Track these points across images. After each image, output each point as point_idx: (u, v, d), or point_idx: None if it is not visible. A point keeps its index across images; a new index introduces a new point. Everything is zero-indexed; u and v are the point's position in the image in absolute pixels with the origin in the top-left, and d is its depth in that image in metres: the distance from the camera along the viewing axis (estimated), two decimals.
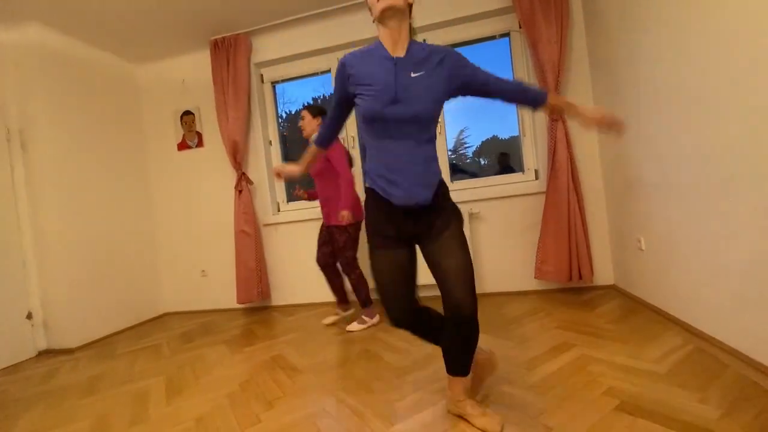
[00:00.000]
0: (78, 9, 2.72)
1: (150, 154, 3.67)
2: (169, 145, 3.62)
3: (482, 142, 3.34)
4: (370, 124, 1.22)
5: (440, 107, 1.25)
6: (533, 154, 2.90)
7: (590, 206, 2.72)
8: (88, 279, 2.95)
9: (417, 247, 1.31)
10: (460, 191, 2.96)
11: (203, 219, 3.54)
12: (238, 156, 3.25)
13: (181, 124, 3.59)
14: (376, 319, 2.53)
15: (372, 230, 1.30)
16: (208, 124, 3.50)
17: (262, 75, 3.43)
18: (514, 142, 3.07)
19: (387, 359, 1.94)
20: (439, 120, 3.03)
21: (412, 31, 1.27)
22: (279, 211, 3.46)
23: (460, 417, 1.35)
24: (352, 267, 2.47)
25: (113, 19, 2.89)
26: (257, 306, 3.42)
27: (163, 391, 1.89)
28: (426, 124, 1.23)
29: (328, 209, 2.48)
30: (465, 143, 3.35)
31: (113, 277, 3.17)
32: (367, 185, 1.32)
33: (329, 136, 1.47)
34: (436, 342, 1.37)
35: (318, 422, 1.44)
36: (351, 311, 2.75)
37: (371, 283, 2.30)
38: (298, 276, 3.33)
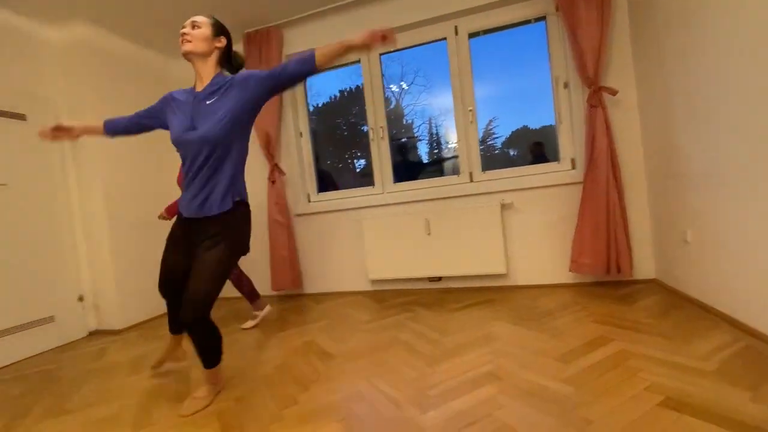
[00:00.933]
0: (119, 6, 2.84)
1: None
2: None
3: (512, 132, 3.26)
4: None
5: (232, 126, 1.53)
6: (570, 143, 2.80)
7: (631, 197, 2.61)
8: (132, 264, 3.12)
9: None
10: (491, 181, 2.91)
11: None
12: (270, 147, 3.32)
13: None
14: (267, 309, 2.74)
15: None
16: None
17: None
18: (547, 132, 2.97)
19: (418, 348, 1.95)
20: (471, 109, 2.97)
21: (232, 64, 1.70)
22: (309, 201, 3.52)
23: None
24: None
25: (151, 14, 2.99)
26: (289, 293, 3.51)
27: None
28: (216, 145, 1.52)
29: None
30: (493, 133, 3.28)
31: (155, 264, 3.32)
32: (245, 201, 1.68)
33: (121, 128, 1.77)
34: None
35: (353, 406, 1.47)
36: (269, 308, 2.81)
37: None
38: (328, 265, 3.39)
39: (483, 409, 1.34)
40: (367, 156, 3.41)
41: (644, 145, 2.55)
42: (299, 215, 3.44)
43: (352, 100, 3.67)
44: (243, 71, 1.59)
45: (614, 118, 2.59)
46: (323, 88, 3.67)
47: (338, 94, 3.78)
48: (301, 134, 3.52)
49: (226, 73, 1.64)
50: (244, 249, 1.63)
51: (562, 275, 2.77)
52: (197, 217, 1.54)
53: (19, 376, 2.25)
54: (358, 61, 3.30)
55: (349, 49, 1.42)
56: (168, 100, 1.66)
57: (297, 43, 3.34)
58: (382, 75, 3.27)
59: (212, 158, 1.51)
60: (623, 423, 1.19)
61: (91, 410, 1.70)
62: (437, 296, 2.87)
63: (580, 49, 2.50)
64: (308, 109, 3.55)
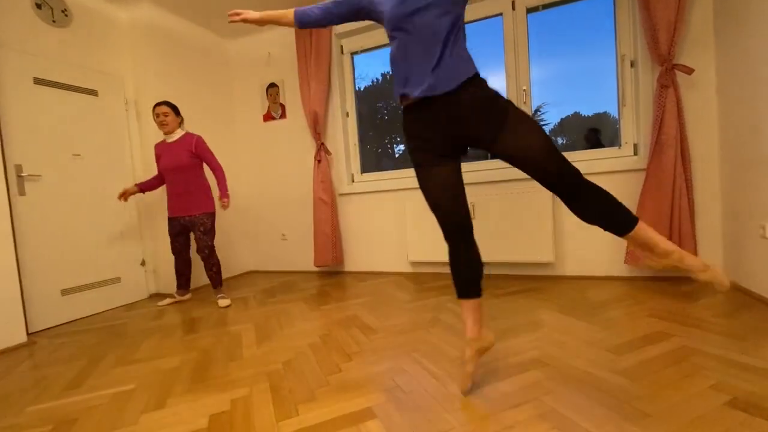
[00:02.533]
0: None
1: (238, 124, 3.96)
2: (256, 116, 3.86)
3: (561, 119, 3.08)
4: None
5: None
6: (633, 127, 2.61)
7: (700, 186, 2.40)
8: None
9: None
10: None
11: (284, 186, 3.77)
12: (318, 127, 3.37)
13: (267, 96, 3.79)
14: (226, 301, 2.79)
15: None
16: (291, 97, 3.66)
17: (342, 46, 3.48)
18: (601, 120, 2.79)
19: (460, 329, 1.94)
20: (525, 88, 2.84)
21: None
22: (353, 181, 3.56)
23: (678, 268, 1.18)
24: (213, 253, 2.79)
25: None
26: (331, 270, 3.60)
27: (253, 336, 2.10)
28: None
29: (188, 201, 2.71)
30: (542, 120, 3.12)
31: None
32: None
33: (312, 21, 1.52)
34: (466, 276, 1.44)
35: (395, 378, 1.50)
36: (189, 296, 3.01)
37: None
38: (369, 245, 3.43)
39: (530, 393, 1.32)
40: None
41: (720, 130, 2.32)
42: (343, 195, 3.49)
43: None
44: None
45: (687, 99, 2.37)
46: (366, 71, 3.64)
47: (380, 78, 3.75)
48: (347, 114, 3.53)
49: None
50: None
51: (615, 267, 2.62)
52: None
53: (92, 328, 2.50)
54: None
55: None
56: None
57: None
58: None
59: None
60: (685, 419, 1.12)
61: (156, 362, 1.85)
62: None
63: (653, 23, 2.29)
64: (355, 90, 3.55)
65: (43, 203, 2.58)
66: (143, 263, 3.21)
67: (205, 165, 2.82)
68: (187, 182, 2.71)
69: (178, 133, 2.74)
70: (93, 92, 2.93)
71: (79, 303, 2.74)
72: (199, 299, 3.01)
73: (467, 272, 1.41)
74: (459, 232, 1.37)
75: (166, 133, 2.74)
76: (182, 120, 2.81)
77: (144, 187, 2.83)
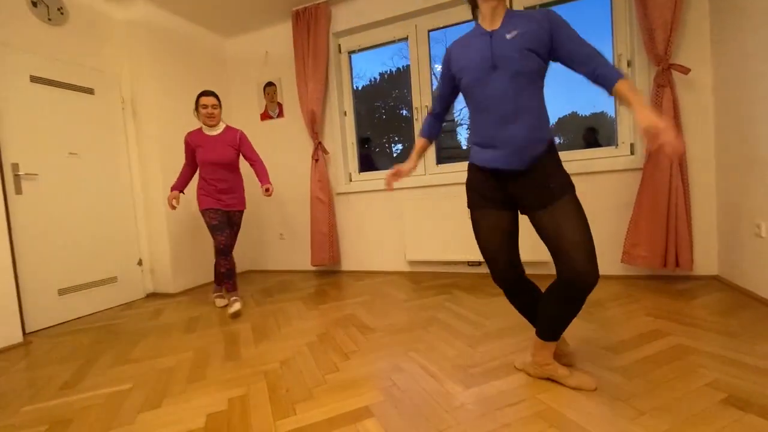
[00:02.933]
0: None
1: (235, 123, 3.94)
2: (253, 114, 3.85)
3: (558, 119, 3.09)
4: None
5: (538, 61, 1.24)
6: (630, 127, 2.62)
7: (695, 185, 2.41)
8: (185, 234, 3.32)
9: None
10: None
11: (282, 185, 3.76)
12: (315, 126, 3.37)
13: (264, 94, 3.78)
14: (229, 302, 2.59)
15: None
16: (289, 96, 3.65)
17: (339, 45, 3.47)
18: (598, 119, 2.80)
19: (459, 329, 1.94)
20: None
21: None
22: (351, 181, 3.56)
23: (550, 379, 1.36)
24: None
25: None
26: (328, 269, 3.60)
27: (251, 335, 2.09)
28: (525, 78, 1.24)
29: (233, 197, 2.63)
30: None
31: (206, 234, 3.52)
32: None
33: (436, 130, 1.58)
34: (527, 312, 1.48)
35: (393, 376, 1.50)
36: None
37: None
38: (366, 244, 3.43)
39: (527, 391, 1.32)
40: (405, 140, 3.38)
41: (716, 129, 2.33)
42: (340, 194, 3.49)
43: (392, 83, 3.62)
44: (547, 9, 1.32)
45: (683, 99, 2.38)
46: (364, 70, 3.63)
47: (378, 78, 3.74)
48: (345, 113, 3.53)
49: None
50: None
51: (612, 266, 2.63)
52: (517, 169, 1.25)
53: (88, 327, 2.48)
54: (406, 38, 3.24)
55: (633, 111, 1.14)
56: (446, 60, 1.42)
57: (345, 19, 3.32)
58: (430, 51, 3.19)
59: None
60: (681, 417, 1.12)
61: (152, 361, 1.84)
62: (476, 280, 2.83)
63: (650, 23, 2.30)
64: (353, 89, 3.54)
65: (40, 202, 2.56)
66: (140, 263, 3.20)
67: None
68: (230, 177, 2.64)
69: (221, 126, 2.63)
70: (89, 91, 2.91)
71: (75, 303, 2.73)
72: (197, 299, 3.00)
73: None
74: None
75: (211, 126, 2.59)
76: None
77: (182, 187, 2.70)
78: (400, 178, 1.52)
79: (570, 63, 1.25)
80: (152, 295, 3.23)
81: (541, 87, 1.28)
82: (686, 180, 2.33)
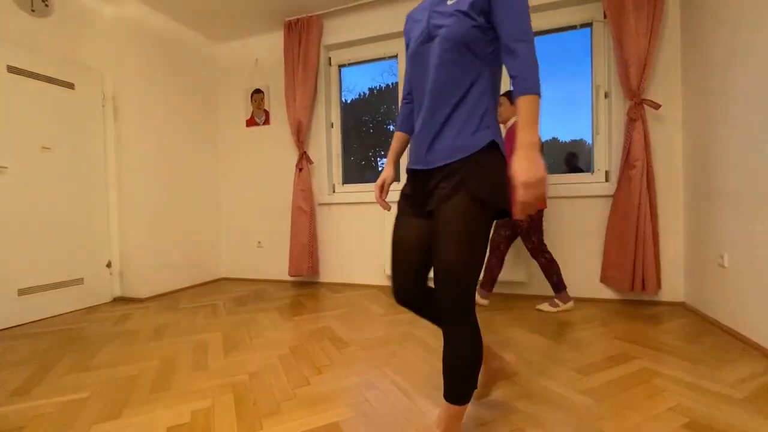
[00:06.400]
0: None
1: (221, 127, 3.91)
2: (239, 120, 3.82)
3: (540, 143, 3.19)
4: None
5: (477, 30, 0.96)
6: (605, 155, 2.73)
7: (664, 215, 2.52)
8: (159, 238, 3.23)
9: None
10: None
11: (263, 193, 3.72)
12: (301, 135, 3.37)
13: (251, 101, 3.77)
14: (570, 305, 2.45)
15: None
16: (276, 104, 3.65)
17: (330, 58, 3.51)
18: (577, 146, 2.91)
19: (433, 345, 1.94)
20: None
21: None
22: (334, 192, 3.55)
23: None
24: (540, 251, 2.43)
25: None
26: (306, 280, 3.55)
27: (220, 345, 2.03)
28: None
29: None
30: None
31: (180, 239, 3.43)
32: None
33: (410, 112, 1.27)
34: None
35: (365, 392, 1.48)
36: (571, 303, 2.48)
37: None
38: (346, 256, 3.41)
39: (497, 411, 1.32)
40: None
41: (684, 163, 2.46)
42: (323, 204, 3.47)
43: (381, 98, 3.67)
44: None
45: (654, 133, 2.50)
46: (354, 84, 3.67)
47: (367, 92, 3.79)
48: (332, 125, 3.55)
49: None
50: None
51: (586, 289, 2.70)
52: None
53: (47, 331, 2.36)
54: (396, 56, 3.31)
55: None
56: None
57: (337, 33, 3.37)
58: None
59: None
60: None
61: (113, 369, 1.76)
62: None
63: (625, 59, 2.43)
64: (341, 101, 3.57)
65: (6, 196, 2.45)
66: (109, 264, 3.08)
67: None
68: None
69: None
70: (69, 85, 2.83)
71: (36, 304, 2.59)
72: (167, 305, 2.90)
73: None
74: None
75: (501, 122, 2.48)
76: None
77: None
78: (387, 192, 1.29)
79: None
80: (120, 300, 3.10)
81: (484, 66, 0.99)
82: (655, 209, 2.43)
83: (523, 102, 0.90)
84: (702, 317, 2.25)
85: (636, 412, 1.29)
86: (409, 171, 1.13)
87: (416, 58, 1.07)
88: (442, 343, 1.95)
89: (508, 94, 2.43)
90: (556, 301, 2.45)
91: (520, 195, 0.86)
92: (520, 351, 1.83)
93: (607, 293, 2.65)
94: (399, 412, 1.34)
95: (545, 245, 2.44)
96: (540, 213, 2.43)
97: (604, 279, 2.55)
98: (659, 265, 2.46)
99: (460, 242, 0.95)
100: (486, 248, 1.00)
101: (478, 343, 1.02)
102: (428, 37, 1.03)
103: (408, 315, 2.45)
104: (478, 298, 2.55)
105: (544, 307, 2.47)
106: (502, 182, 0.99)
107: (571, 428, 1.21)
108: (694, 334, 2.00)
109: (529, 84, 0.90)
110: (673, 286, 2.52)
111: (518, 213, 0.88)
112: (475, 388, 1.06)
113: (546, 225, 2.77)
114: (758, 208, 1.77)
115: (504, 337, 2.02)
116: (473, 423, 1.26)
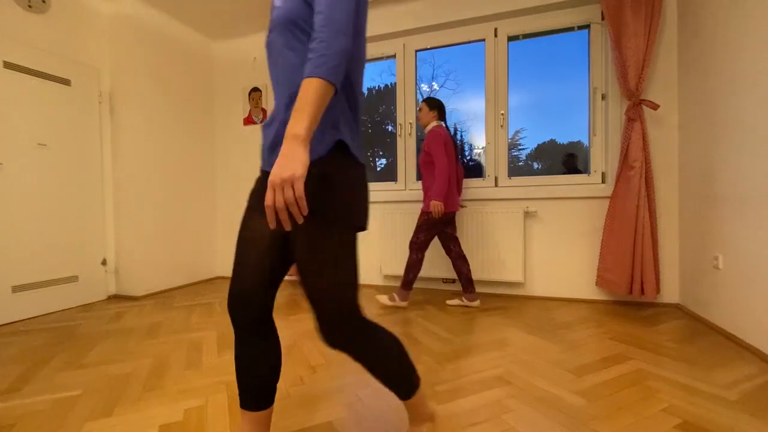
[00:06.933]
0: None
1: (218, 126, 3.89)
2: (236, 119, 3.81)
3: (538, 145, 3.20)
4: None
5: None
6: (602, 156, 2.73)
7: (661, 216, 2.52)
8: (155, 236, 3.21)
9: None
10: (516, 188, 2.86)
11: None
12: None
13: (249, 99, 3.76)
14: (404, 304, 2.57)
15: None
16: (273, 102, 3.63)
17: None
18: (575, 148, 2.91)
19: (427, 345, 1.93)
20: (503, 112, 2.93)
21: None
22: None
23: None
24: (416, 248, 2.50)
25: None
26: None
27: (214, 344, 2.02)
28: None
29: (426, 198, 2.52)
30: (519, 144, 3.23)
31: (176, 237, 3.42)
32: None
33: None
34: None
35: (359, 392, 1.47)
36: (477, 302, 2.60)
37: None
38: None
39: (491, 411, 1.32)
40: (389, 155, 3.41)
41: (680, 164, 2.46)
42: None
43: (379, 98, 3.67)
44: None
45: (652, 133, 2.51)
46: None
47: (366, 92, 3.79)
48: None
49: None
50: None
51: (581, 290, 2.70)
52: None
53: (41, 328, 2.34)
54: (394, 56, 3.30)
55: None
56: None
57: None
58: (416, 70, 3.26)
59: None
60: None
61: (106, 367, 1.75)
62: (449, 298, 2.84)
63: (623, 60, 2.43)
64: None
65: (1, 192, 2.43)
66: (104, 262, 3.07)
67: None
68: (426, 180, 2.55)
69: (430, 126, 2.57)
70: (66, 82, 2.82)
71: (30, 301, 2.58)
72: (162, 303, 2.89)
73: None
74: None
75: (423, 126, 2.61)
76: (436, 115, 2.56)
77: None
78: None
79: None
80: (114, 297, 3.08)
81: None
82: (653, 210, 2.44)
83: (305, 84, 0.75)
84: (696, 319, 2.25)
85: (629, 413, 1.29)
86: (262, 171, 0.98)
87: (267, 49, 0.94)
88: (438, 343, 1.95)
89: (428, 100, 2.55)
90: (394, 295, 2.57)
91: (267, 197, 0.72)
92: (516, 351, 1.83)
93: (602, 294, 2.65)
94: (392, 412, 1.33)
95: (426, 248, 2.51)
96: (447, 216, 2.48)
97: (601, 283, 2.54)
98: (659, 268, 2.45)
99: (322, 261, 0.86)
100: (354, 264, 0.92)
101: (382, 341, 0.97)
102: (271, 24, 0.91)
103: (403, 315, 2.44)
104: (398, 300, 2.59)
105: (383, 299, 2.60)
106: (354, 193, 0.90)
107: (564, 428, 1.21)
108: (688, 336, 2.00)
109: (319, 68, 0.75)
110: (669, 288, 2.52)
111: (270, 221, 0.74)
112: (413, 372, 1.04)
113: (542, 225, 2.77)
114: (753, 210, 1.78)
115: (501, 337, 2.02)
116: (467, 422, 1.26)
